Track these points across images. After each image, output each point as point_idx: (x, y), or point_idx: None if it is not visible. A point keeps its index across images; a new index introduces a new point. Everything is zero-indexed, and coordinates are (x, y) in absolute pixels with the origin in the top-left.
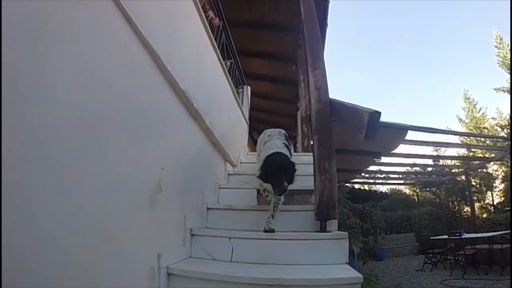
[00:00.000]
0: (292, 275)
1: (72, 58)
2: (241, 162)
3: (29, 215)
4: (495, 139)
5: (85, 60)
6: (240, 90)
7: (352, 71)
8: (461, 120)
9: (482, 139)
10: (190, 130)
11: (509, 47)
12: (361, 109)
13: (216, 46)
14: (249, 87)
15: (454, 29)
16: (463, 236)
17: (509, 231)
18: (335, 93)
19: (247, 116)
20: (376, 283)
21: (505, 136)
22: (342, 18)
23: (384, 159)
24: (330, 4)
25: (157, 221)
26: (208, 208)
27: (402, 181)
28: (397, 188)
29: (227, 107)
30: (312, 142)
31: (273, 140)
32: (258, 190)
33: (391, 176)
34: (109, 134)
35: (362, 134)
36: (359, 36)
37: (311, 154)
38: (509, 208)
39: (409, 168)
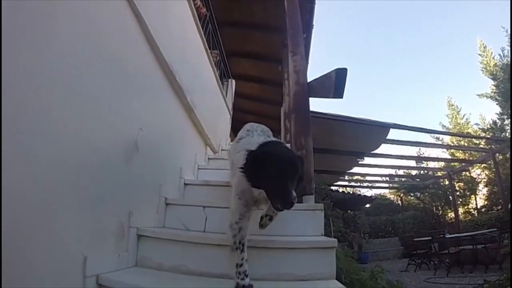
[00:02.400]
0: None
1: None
2: (222, 149)
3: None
4: (479, 140)
5: (86, 16)
6: (225, 82)
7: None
8: (444, 126)
9: (465, 142)
10: (171, 103)
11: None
12: (330, 72)
13: (202, 34)
14: (233, 81)
15: (438, 40)
16: (446, 236)
17: (493, 229)
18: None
19: (230, 108)
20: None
21: (488, 137)
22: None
23: (368, 161)
24: (316, 6)
25: (131, 179)
26: (185, 184)
27: (386, 185)
28: (382, 193)
29: (210, 93)
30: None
31: (253, 137)
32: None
33: (375, 179)
34: (99, 86)
35: (331, 93)
36: (347, 47)
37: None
38: (493, 210)
39: (392, 172)
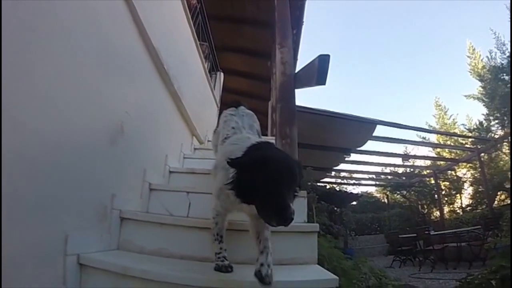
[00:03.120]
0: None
1: None
2: (208, 140)
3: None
4: (465, 140)
5: None
6: (213, 74)
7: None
8: (431, 126)
9: (451, 142)
10: (158, 89)
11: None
12: (314, 59)
13: (192, 24)
14: (222, 74)
15: (428, 41)
16: (431, 233)
17: (477, 226)
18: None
19: (218, 100)
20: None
21: (471, 135)
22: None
23: (354, 157)
24: (306, 3)
25: (115, 161)
26: (170, 171)
27: (372, 183)
28: (368, 191)
29: (198, 83)
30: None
31: (241, 133)
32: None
33: (362, 177)
34: (88, 66)
35: (314, 81)
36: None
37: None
38: (478, 209)
39: (379, 170)
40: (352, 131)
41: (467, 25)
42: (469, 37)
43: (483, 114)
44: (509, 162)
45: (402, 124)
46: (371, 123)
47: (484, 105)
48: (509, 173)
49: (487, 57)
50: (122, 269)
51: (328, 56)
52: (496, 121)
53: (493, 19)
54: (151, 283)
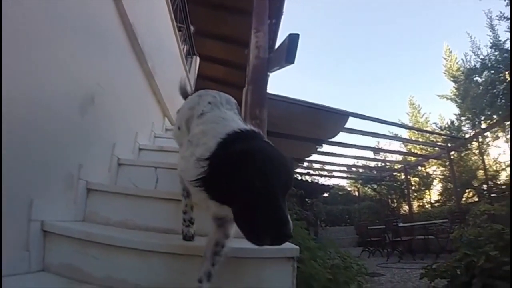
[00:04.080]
0: None
1: None
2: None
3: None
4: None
5: None
6: (189, 58)
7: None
8: (404, 124)
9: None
10: (132, 65)
11: (509, 48)
12: (284, 39)
13: (170, 4)
14: (198, 58)
15: (406, 41)
16: (400, 225)
17: (445, 220)
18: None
19: (192, 84)
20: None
21: (443, 134)
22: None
23: (326, 149)
24: None
25: (85, 132)
26: (140, 149)
27: (344, 175)
28: (339, 184)
29: (172, 64)
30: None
31: (221, 111)
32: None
33: (334, 169)
34: (62, 34)
35: (283, 60)
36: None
37: None
38: (446, 205)
39: (351, 163)
40: (324, 121)
41: (446, 28)
42: (447, 40)
43: (455, 114)
44: (478, 161)
45: (373, 117)
46: (344, 115)
47: (456, 106)
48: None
49: (462, 59)
50: (85, 235)
51: (297, 35)
52: (467, 121)
53: (470, 23)
54: (115, 249)
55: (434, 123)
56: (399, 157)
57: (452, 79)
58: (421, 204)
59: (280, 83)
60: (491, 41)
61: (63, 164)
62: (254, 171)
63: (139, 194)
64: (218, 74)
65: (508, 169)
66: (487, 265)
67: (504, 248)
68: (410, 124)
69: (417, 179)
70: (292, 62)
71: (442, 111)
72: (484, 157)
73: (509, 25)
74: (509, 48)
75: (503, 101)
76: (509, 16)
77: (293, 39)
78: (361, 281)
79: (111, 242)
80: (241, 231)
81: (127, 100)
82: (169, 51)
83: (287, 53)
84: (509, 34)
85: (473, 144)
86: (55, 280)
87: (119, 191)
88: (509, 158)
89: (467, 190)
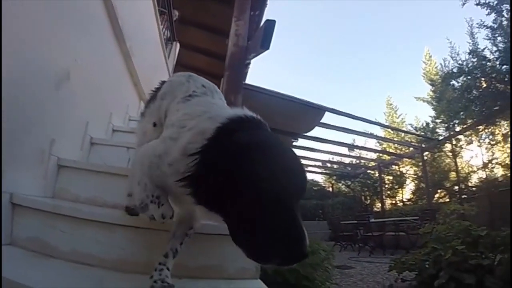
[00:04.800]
0: None
1: None
2: None
3: None
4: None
5: None
6: (169, 43)
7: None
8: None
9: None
10: (110, 43)
11: (487, 55)
12: (261, 25)
13: None
14: (178, 44)
15: (390, 41)
16: (371, 220)
17: (415, 217)
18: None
19: (171, 70)
20: None
21: (418, 134)
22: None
23: (302, 143)
24: None
25: (58, 107)
26: (113, 130)
27: (319, 171)
28: (313, 179)
29: (152, 48)
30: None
31: (214, 99)
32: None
33: (309, 163)
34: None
35: (258, 46)
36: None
37: None
38: (418, 204)
39: (326, 158)
40: (300, 115)
41: (427, 33)
42: (428, 44)
43: (430, 116)
44: (451, 163)
45: (350, 114)
46: (320, 110)
47: (432, 108)
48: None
49: (440, 64)
50: (53, 207)
51: (274, 21)
52: (442, 124)
53: (452, 30)
54: (82, 222)
55: (410, 124)
56: (374, 155)
57: (430, 82)
58: (393, 202)
59: (260, 75)
60: (470, 48)
61: (35, 138)
62: (267, 170)
63: (110, 172)
64: (199, 63)
65: (480, 172)
66: (454, 258)
67: (471, 243)
68: (386, 124)
69: (391, 177)
70: (267, 48)
71: (418, 113)
72: (457, 159)
73: (489, 32)
74: (487, 56)
75: (478, 107)
76: (491, 24)
77: (269, 25)
78: (328, 266)
79: (78, 215)
80: (240, 247)
81: (103, 80)
82: (149, 34)
83: (263, 38)
84: (487, 41)
85: (446, 146)
86: (21, 254)
87: (90, 168)
88: (481, 163)
89: (438, 191)
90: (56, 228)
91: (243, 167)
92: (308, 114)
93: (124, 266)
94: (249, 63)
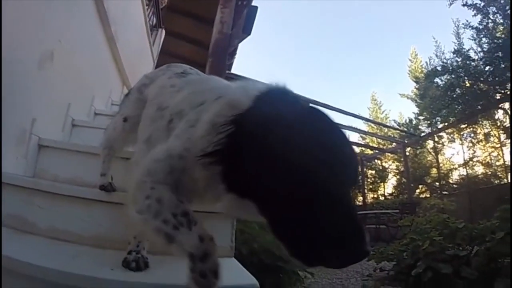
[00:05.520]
0: None
1: None
2: None
3: None
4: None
5: None
6: (154, 30)
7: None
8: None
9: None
10: (95, 27)
11: (471, 55)
12: (243, 12)
13: None
14: (163, 31)
15: (378, 38)
16: None
17: (396, 210)
18: None
19: (155, 57)
20: None
21: (401, 130)
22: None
23: None
24: None
25: (41, 86)
26: (95, 113)
27: None
28: None
29: (136, 33)
30: None
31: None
32: None
33: None
34: None
35: (240, 32)
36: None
37: None
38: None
39: None
40: None
41: (414, 31)
42: (415, 43)
43: (413, 113)
44: (433, 159)
45: (333, 107)
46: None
47: (415, 105)
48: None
49: (426, 62)
50: (33, 183)
51: (256, 7)
52: (425, 120)
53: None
54: (60, 198)
55: (393, 119)
56: (357, 149)
57: (414, 79)
58: (375, 196)
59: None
60: (456, 47)
61: (16, 117)
62: (324, 152)
63: (91, 152)
64: (184, 51)
65: (460, 169)
66: (431, 249)
67: (449, 235)
68: (370, 119)
69: (373, 171)
70: (249, 33)
71: (402, 109)
72: (439, 156)
73: (474, 33)
74: (471, 56)
75: (460, 105)
76: (476, 25)
77: (251, 11)
78: None
79: (56, 191)
80: (285, 245)
81: (87, 62)
82: (135, 20)
83: (245, 24)
84: (472, 42)
85: (428, 143)
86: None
87: (70, 148)
88: (462, 160)
89: (420, 186)
90: (35, 204)
91: (295, 145)
92: None
93: (101, 242)
94: (235, 53)
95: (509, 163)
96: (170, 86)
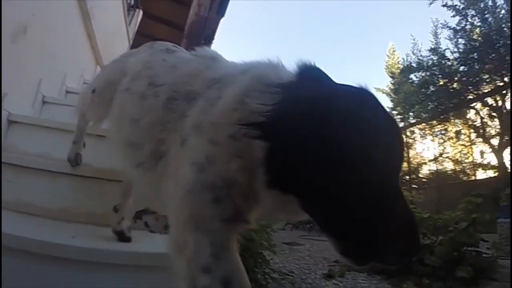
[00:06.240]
0: None
1: None
2: None
3: None
4: None
5: None
6: (132, 10)
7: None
8: None
9: None
10: (69, 3)
11: (446, 54)
12: None
13: None
14: (141, 12)
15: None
16: None
17: None
18: None
19: (131, 38)
20: None
21: None
22: None
23: None
24: None
25: (12, 60)
26: (67, 91)
27: None
28: None
29: (113, 11)
30: None
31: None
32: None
33: None
34: None
35: (215, 13)
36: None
37: None
38: None
39: None
40: None
41: (393, 28)
42: (393, 39)
43: (387, 107)
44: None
45: None
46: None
47: (390, 100)
48: None
49: (403, 58)
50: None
51: None
52: (398, 115)
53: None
54: (27, 171)
55: None
56: None
57: (390, 75)
58: None
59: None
60: (433, 46)
61: None
62: (381, 138)
63: (61, 128)
64: (162, 34)
65: (431, 164)
66: None
67: None
68: None
69: None
70: (223, 15)
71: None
72: (410, 150)
73: (451, 33)
74: (447, 55)
75: (433, 102)
76: (454, 26)
77: None
78: (268, 229)
79: (24, 164)
80: (338, 244)
81: (60, 38)
82: None
83: (219, 6)
84: (449, 41)
85: None
86: None
87: (41, 124)
88: (432, 156)
89: None
90: (4, 179)
91: (355, 131)
92: None
93: (66, 215)
94: (213, 37)
95: (479, 161)
96: (162, 60)
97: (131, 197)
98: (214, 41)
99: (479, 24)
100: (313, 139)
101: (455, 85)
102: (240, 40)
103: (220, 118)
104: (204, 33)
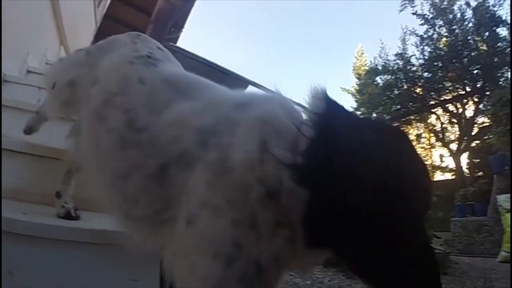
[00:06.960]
0: None
1: None
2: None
3: None
4: None
5: None
6: None
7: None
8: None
9: None
10: None
11: (412, 60)
12: None
13: None
14: None
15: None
16: None
17: None
18: None
19: (98, 20)
20: None
21: None
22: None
23: None
24: None
25: None
26: (28, 71)
27: None
28: None
29: None
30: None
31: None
32: None
33: None
34: None
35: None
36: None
37: None
38: None
39: None
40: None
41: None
42: (362, 42)
43: (352, 107)
44: None
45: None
46: (243, 81)
47: (355, 100)
48: None
49: (370, 61)
50: None
51: None
52: (361, 116)
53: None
54: None
55: None
56: None
57: (357, 76)
58: None
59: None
60: (399, 51)
61: None
62: (412, 180)
63: (20, 107)
64: (133, 20)
65: None
66: None
67: None
68: None
69: None
70: (192, 5)
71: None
72: None
73: (418, 40)
74: (412, 61)
75: (396, 105)
76: (421, 34)
77: None
78: None
79: None
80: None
81: (23, 14)
82: None
83: None
84: (415, 48)
85: None
86: None
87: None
88: None
89: None
90: None
91: (387, 171)
92: (230, 84)
93: (21, 195)
94: (183, 26)
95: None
96: (139, 82)
97: (73, 181)
98: (184, 29)
99: (446, 34)
100: (367, 194)
101: (418, 90)
102: (215, 29)
103: (237, 189)
104: (172, 20)
